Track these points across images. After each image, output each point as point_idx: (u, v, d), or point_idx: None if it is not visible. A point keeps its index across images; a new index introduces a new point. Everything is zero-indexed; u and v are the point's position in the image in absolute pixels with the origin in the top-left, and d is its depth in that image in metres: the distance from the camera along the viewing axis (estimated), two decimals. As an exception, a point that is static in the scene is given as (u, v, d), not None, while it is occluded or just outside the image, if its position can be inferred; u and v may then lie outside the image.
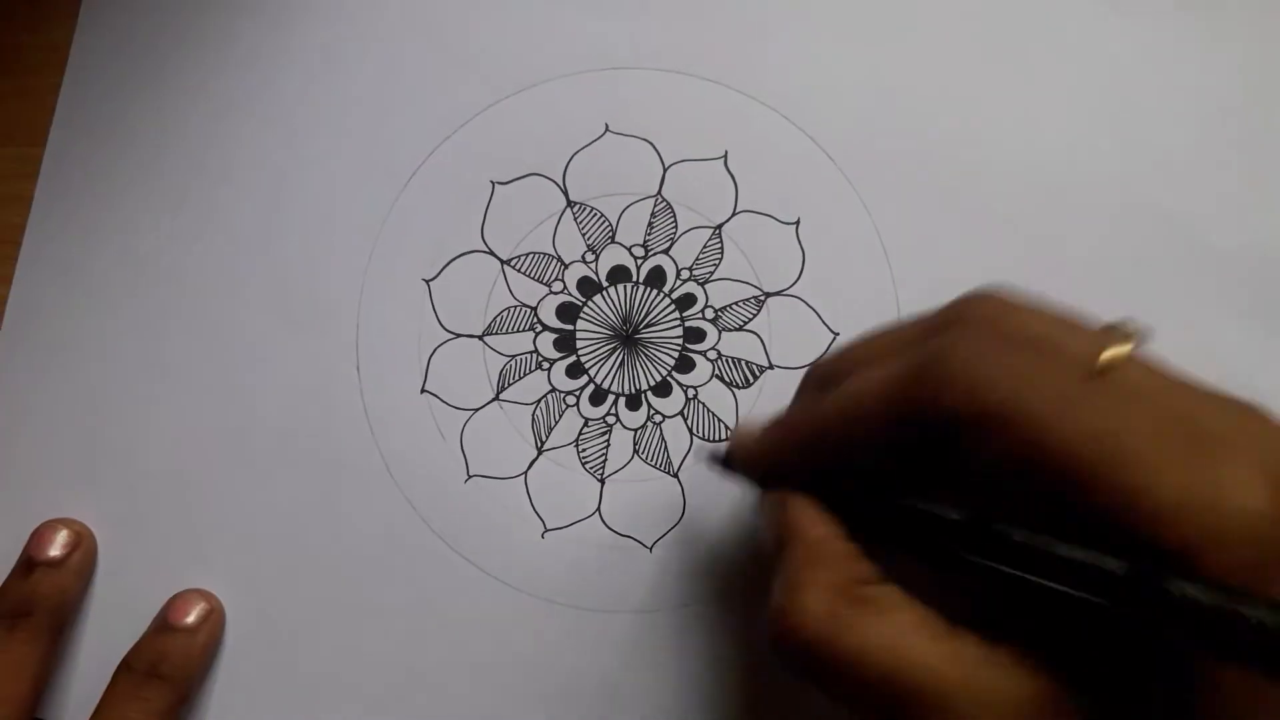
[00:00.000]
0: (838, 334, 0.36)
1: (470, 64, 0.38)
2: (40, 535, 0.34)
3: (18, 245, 0.36)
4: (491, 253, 0.37)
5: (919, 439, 0.24)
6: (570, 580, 0.35)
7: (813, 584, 0.25)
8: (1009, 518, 0.24)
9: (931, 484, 0.26)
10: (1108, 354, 0.23)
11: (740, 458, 0.30)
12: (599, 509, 0.35)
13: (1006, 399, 0.23)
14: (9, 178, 0.37)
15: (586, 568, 0.35)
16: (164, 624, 0.34)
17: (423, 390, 0.36)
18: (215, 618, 0.34)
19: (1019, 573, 0.23)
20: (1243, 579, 0.21)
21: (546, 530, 0.35)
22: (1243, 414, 0.23)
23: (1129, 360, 0.24)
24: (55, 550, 0.34)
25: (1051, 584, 0.23)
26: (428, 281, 0.37)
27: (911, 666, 0.23)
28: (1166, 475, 0.21)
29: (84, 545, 0.34)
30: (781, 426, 0.29)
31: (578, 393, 0.36)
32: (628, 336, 0.36)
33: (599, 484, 0.36)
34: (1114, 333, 0.24)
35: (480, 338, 0.36)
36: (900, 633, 0.24)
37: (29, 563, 0.34)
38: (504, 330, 0.36)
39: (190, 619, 0.34)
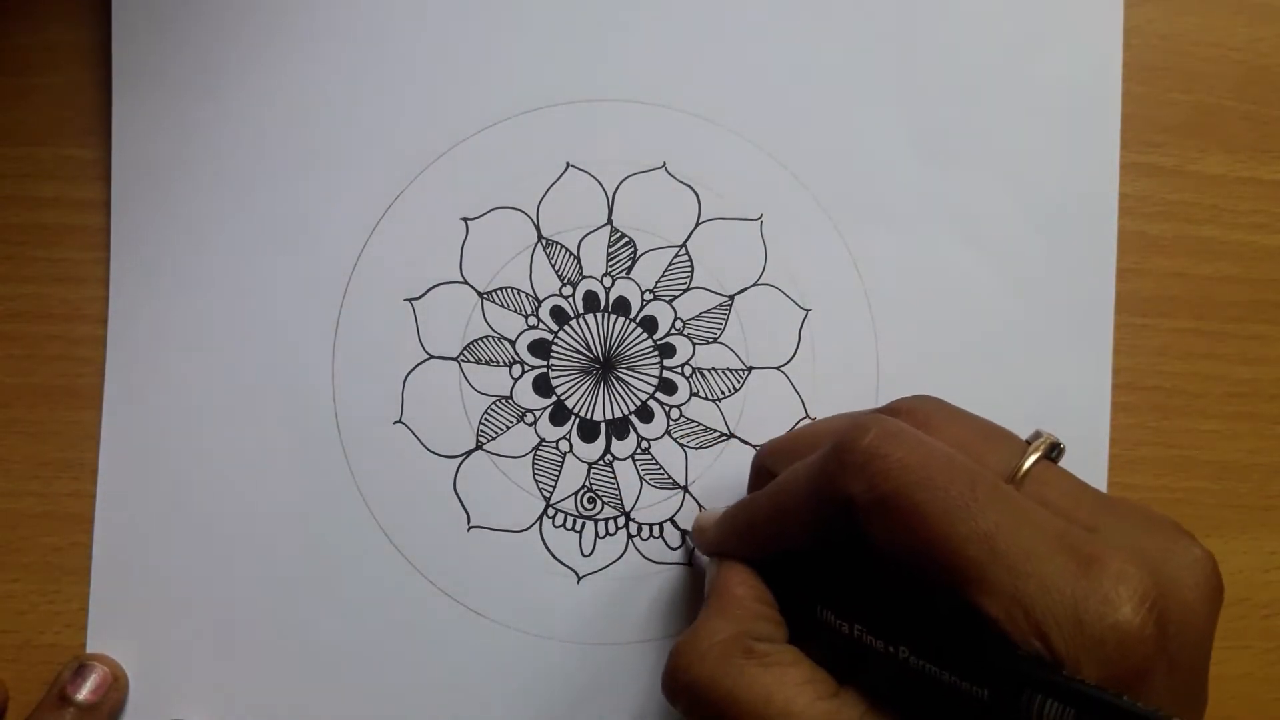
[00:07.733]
0: (809, 310, 0.37)
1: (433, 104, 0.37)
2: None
3: (13, 245, 0.36)
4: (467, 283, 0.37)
5: (834, 522, 0.26)
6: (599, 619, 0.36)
7: (713, 631, 0.27)
8: (912, 605, 0.25)
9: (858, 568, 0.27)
10: (1020, 465, 0.25)
11: (698, 542, 0.33)
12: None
13: (901, 489, 0.24)
14: (9, 177, 0.37)
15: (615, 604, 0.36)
16: (61, 695, 0.34)
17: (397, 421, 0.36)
18: (119, 687, 0.34)
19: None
20: (1112, 690, 0.22)
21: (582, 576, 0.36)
22: (1134, 529, 0.25)
23: (1037, 472, 0.25)
24: (92, 694, 0.34)
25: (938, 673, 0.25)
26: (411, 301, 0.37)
27: (784, 717, 0.25)
28: (1047, 585, 0.23)
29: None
30: (728, 517, 0.31)
31: (569, 437, 0.37)
32: (604, 364, 0.37)
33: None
34: (1030, 445, 0.26)
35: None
36: (781, 685, 0.25)
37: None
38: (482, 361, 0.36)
39: (87, 693, 0.34)
